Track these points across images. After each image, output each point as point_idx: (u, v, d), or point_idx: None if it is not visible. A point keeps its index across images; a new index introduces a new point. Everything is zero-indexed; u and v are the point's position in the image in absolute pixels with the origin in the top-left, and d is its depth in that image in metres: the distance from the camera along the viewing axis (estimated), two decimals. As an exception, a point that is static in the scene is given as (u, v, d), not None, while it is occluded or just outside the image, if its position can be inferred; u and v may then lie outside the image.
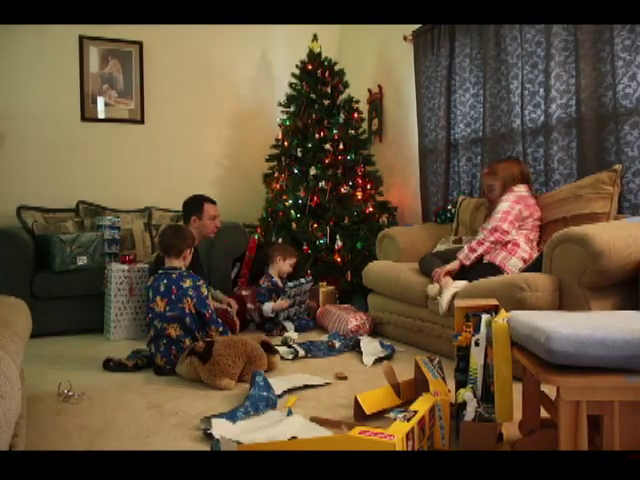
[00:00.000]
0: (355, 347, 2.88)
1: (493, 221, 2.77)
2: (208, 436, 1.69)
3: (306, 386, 2.24)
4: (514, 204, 2.77)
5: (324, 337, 3.06)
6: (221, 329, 2.58)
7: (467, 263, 2.77)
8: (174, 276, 2.55)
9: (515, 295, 2.26)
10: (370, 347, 2.83)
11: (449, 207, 3.64)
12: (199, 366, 2.27)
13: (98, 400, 2.11)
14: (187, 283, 2.54)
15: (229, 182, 4.67)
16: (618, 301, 2.23)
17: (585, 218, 2.61)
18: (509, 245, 2.74)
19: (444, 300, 2.64)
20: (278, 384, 2.17)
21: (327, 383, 2.30)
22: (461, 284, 2.66)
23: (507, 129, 3.25)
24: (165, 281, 2.54)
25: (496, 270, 2.67)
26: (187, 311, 2.50)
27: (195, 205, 3.29)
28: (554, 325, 1.30)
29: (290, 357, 2.72)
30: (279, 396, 2.09)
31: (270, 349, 2.48)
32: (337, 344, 2.89)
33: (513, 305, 2.21)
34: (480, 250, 2.75)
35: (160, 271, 2.60)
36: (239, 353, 2.30)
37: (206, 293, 2.58)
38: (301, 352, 2.76)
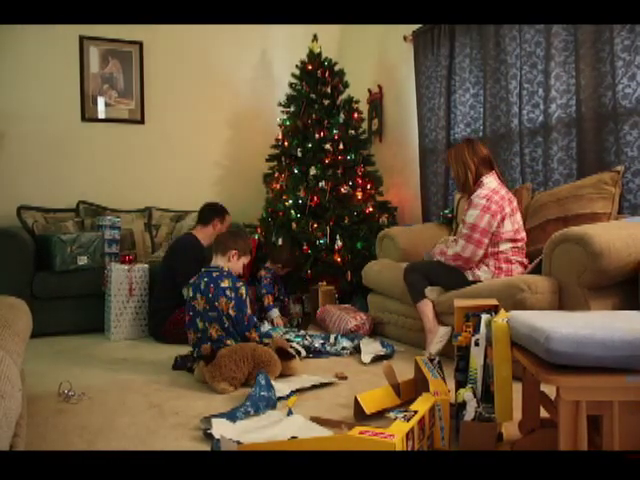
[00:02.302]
0: (356, 348, 2.87)
1: (459, 238, 2.61)
2: (208, 436, 1.69)
3: (314, 386, 2.24)
4: (482, 213, 2.55)
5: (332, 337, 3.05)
6: (259, 333, 2.49)
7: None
8: (215, 274, 2.48)
9: (515, 296, 2.26)
10: (370, 347, 2.83)
11: (446, 212, 3.63)
12: (203, 367, 2.27)
13: (98, 400, 2.11)
14: (225, 283, 2.45)
15: (229, 182, 4.67)
16: (618, 301, 2.23)
17: (586, 218, 2.60)
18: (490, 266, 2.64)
19: (435, 348, 2.64)
20: (286, 385, 2.18)
21: (332, 382, 2.30)
22: (444, 331, 2.65)
23: (507, 129, 3.25)
24: (206, 279, 2.47)
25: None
26: (224, 312, 2.42)
27: (219, 211, 3.44)
28: (554, 325, 1.30)
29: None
30: (287, 396, 2.09)
31: (286, 355, 2.41)
32: (345, 343, 2.90)
33: (513, 306, 2.21)
34: (452, 264, 2.68)
35: (203, 269, 2.54)
36: (245, 358, 2.27)
37: (245, 296, 2.48)
38: (303, 352, 2.75)
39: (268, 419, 1.82)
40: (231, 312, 2.42)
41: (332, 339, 2.97)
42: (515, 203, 2.66)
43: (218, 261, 2.55)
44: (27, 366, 2.43)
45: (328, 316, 3.34)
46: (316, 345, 2.84)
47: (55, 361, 2.74)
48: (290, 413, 1.85)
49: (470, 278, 2.66)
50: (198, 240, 3.30)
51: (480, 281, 2.61)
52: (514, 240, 2.61)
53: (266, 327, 3.19)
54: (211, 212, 3.40)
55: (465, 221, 2.62)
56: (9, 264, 3.20)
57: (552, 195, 2.81)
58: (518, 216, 2.65)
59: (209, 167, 4.63)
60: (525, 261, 2.65)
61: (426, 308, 2.73)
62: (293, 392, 2.14)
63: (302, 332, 3.18)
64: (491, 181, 2.65)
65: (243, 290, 2.47)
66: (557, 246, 2.28)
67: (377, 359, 2.67)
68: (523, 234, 2.66)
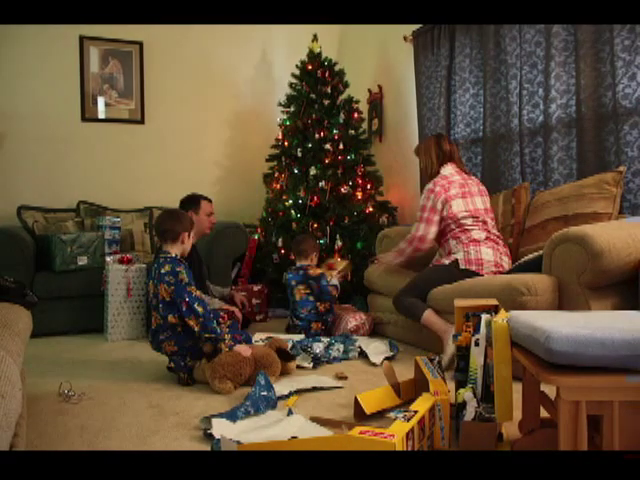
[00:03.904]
0: (361, 353, 2.80)
1: (415, 224, 2.88)
2: (208, 436, 1.69)
3: (315, 388, 2.22)
4: (428, 194, 2.83)
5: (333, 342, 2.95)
6: (201, 319, 2.27)
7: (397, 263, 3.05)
8: (161, 260, 2.40)
9: (515, 299, 2.26)
10: (370, 347, 2.82)
11: None
12: (205, 364, 2.27)
13: (98, 400, 2.11)
14: (165, 268, 2.33)
15: (229, 182, 4.68)
16: (618, 301, 2.23)
17: (587, 217, 2.61)
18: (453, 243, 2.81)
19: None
20: (287, 385, 2.18)
21: (338, 387, 2.25)
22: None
23: (507, 129, 3.25)
24: (155, 265, 2.42)
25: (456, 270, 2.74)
26: (161, 298, 2.33)
27: (192, 201, 3.34)
28: (554, 325, 1.30)
29: (310, 364, 2.58)
30: (286, 396, 2.09)
31: (286, 355, 2.40)
32: (341, 346, 2.83)
33: (513, 309, 2.20)
34: (402, 259, 3.00)
35: (154, 256, 2.51)
36: (245, 358, 2.25)
37: (187, 280, 2.33)
38: (309, 365, 2.61)
39: (268, 419, 1.83)
40: (166, 298, 2.32)
41: (325, 342, 2.82)
42: (472, 189, 2.86)
43: (168, 247, 2.45)
44: (27, 366, 2.43)
45: (328, 316, 3.34)
46: (317, 351, 2.68)
47: (55, 361, 2.74)
48: (290, 413, 1.85)
49: (447, 262, 2.77)
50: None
51: (457, 260, 2.72)
52: (474, 217, 2.78)
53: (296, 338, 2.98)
54: (184, 206, 3.27)
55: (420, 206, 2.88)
56: (9, 264, 3.20)
57: (553, 194, 2.81)
58: (477, 199, 2.85)
59: (209, 167, 4.63)
60: (500, 243, 2.79)
61: (430, 318, 2.68)
62: (292, 392, 2.14)
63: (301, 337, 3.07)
64: (446, 169, 2.89)
65: (183, 274, 2.33)
66: (557, 246, 2.28)
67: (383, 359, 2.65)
68: (485, 217, 2.82)
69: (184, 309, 2.28)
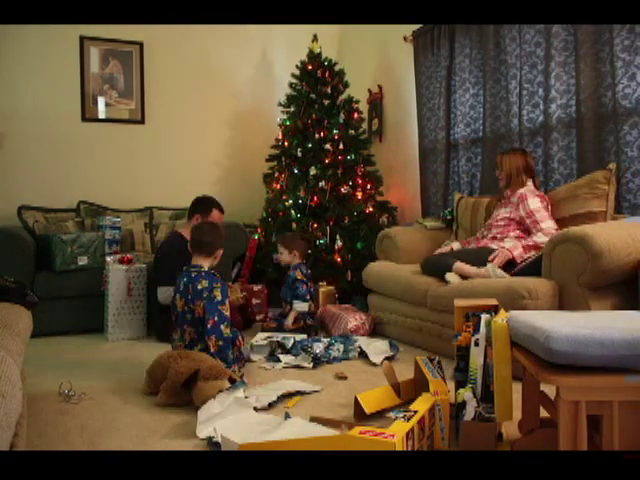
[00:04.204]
0: (360, 353, 2.80)
1: (543, 222, 2.70)
2: (214, 445, 1.65)
3: (298, 392, 2.17)
4: (541, 199, 2.78)
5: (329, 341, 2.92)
6: (221, 343, 2.24)
7: (518, 261, 2.71)
8: (193, 275, 2.35)
9: (516, 303, 2.26)
10: (370, 347, 2.82)
11: (446, 213, 3.63)
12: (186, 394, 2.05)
13: (98, 400, 2.11)
14: (203, 284, 2.31)
15: (229, 182, 4.67)
16: (618, 301, 2.23)
17: (583, 217, 2.62)
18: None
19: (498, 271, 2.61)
20: (270, 392, 2.11)
21: (315, 391, 2.21)
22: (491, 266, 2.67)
23: (507, 129, 3.25)
24: (185, 279, 2.36)
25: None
26: (196, 314, 2.30)
27: (204, 205, 3.25)
28: (554, 325, 1.30)
29: (310, 364, 2.58)
30: (275, 402, 2.03)
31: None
32: (341, 347, 2.82)
33: (513, 312, 2.21)
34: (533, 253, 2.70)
35: (184, 268, 2.42)
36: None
37: (220, 298, 2.30)
38: (309, 364, 2.60)
39: (268, 424, 1.79)
40: (202, 313, 2.29)
41: (325, 342, 2.82)
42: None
43: (200, 260, 2.41)
44: (27, 366, 2.43)
45: (328, 316, 3.34)
46: (317, 351, 2.67)
47: (55, 361, 2.73)
48: (287, 417, 1.81)
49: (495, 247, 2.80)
50: (181, 239, 3.13)
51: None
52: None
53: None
54: (195, 206, 3.24)
55: (532, 210, 2.76)
56: (9, 264, 3.20)
57: (551, 198, 2.83)
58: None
59: (209, 167, 4.63)
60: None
61: (463, 266, 2.75)
62: (279, 397, 2.07)
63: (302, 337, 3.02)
64: (530, 187, 2.89)
65: (218, 292, 2.30)
66: (557, 246, 2.28)
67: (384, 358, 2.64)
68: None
69: (209, 326, 2.26)
